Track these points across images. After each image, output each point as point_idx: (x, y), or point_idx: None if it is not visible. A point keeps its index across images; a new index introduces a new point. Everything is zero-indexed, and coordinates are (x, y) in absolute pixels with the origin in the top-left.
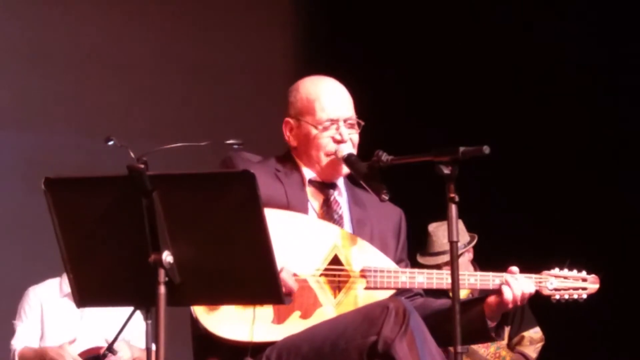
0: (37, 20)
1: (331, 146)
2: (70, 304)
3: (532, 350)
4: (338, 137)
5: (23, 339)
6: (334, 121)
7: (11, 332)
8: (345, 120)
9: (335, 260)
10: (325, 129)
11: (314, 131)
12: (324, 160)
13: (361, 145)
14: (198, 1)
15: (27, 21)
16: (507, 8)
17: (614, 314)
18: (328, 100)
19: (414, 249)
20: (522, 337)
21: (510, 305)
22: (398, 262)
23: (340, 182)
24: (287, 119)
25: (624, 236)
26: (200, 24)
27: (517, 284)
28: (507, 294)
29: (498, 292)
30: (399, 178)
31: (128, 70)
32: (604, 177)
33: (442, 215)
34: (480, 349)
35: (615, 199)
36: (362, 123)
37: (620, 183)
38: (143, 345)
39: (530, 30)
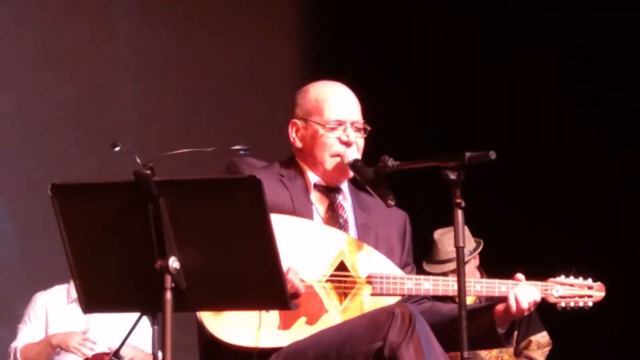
0: (43, 26)
1: (337, 147)
2: (77, 310)
3: (540, 355)
4: (344, 139)
5: (24, 341)
6: (341, 122)
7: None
8: (352, 123)
9: (342, 267)
10: (332, 129)
11: (320, 130)
12: (328, 161)
13: (367, 151)
14: (204, 7)
15: (33, 27)
16: (514, 10)
17: (621, 319)
18: (337, 102)
19: (420, 255)
20: (530, 342)
21: (517, 317)
22: (404, 266)
23: (345, 186)
24: (294, 120)
25: (630, 243)
26: (205, 29)
27: (524, 297)
28: (513, 306)
29: (505, 301)
30: (405, 183)
31: (134, 75)
32: (610, 183)
33: (447, 220)
34: (483, 352)
35: (621, 206)
36: (369, 129)
37: (627, 189)
38: (149, 351)
39: (538, 34)
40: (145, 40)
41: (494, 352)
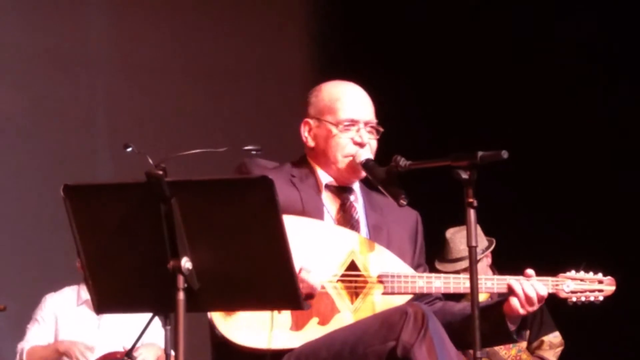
0: (54, 27)
1: (350, 148)
2: (87, 311)
3: (552, 355)
4: (358, 139)
5: (32, 341)
6: (354, 122)
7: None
8: (366, 124)
9: (353, 266)
10: (346, 129)
11: (334, 131)
12: (342, 161)
13: (378, 151)
14: (216, 7)
15: (44, 27)
16: (520, 11)
17: (633, 317)
18: (351, 101)
19: (432, 254)
20: (542, 342)
21: (521, 311)
22: (416, 267)
23: (356, 186)
24: (307, 119)
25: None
26: (217, 30)
27: (521, 289)
28: (514, 301)
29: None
30: (417, 183)
31: (146, 76)
32: (621, 180)
33: (459, 219)
34: (502, 350)
35: (633, 202)
36: (382, 130)
37: (634, 187)
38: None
39: (545, 33)
40: (157, 40)
41: (513, 351)
